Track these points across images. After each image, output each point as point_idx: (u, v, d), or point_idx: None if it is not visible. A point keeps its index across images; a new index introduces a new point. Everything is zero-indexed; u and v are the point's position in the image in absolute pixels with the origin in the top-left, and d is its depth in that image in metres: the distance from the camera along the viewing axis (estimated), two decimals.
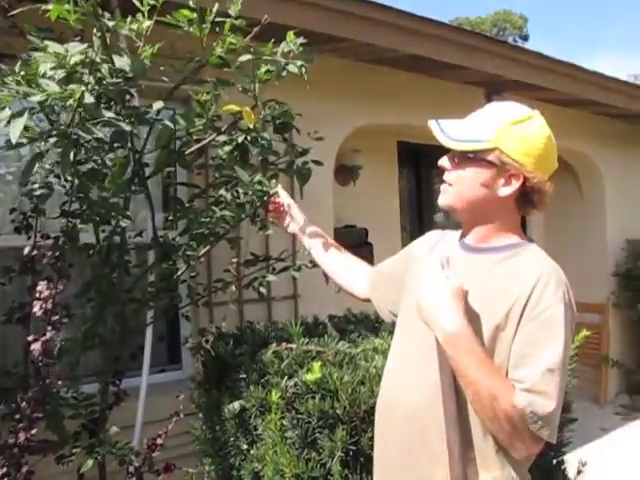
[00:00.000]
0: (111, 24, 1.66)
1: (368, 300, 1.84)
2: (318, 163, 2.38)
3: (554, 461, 2.38)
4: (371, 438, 1.66)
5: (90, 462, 1.98)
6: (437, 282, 1.35)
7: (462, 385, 1.31)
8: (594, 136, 5.86)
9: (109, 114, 1.65)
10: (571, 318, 1.34)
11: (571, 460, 2.48)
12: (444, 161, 1.47)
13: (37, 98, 1.51)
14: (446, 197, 1.47)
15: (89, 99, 1.54)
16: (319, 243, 2.01)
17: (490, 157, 1.38)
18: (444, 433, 1.32)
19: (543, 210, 1.46)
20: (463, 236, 1.51)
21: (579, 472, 2.53)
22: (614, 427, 5.32)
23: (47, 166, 2.00)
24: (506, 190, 1.38)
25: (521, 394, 1.25)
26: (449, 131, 1.42)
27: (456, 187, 1.44)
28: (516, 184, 1.37)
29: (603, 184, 6.05)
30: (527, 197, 1.41)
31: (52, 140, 1.58)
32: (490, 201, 1.41)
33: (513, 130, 1.37)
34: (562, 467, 2.43)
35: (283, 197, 2.08)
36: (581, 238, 6.19)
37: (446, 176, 1.47)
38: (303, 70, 1.95)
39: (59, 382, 1.96)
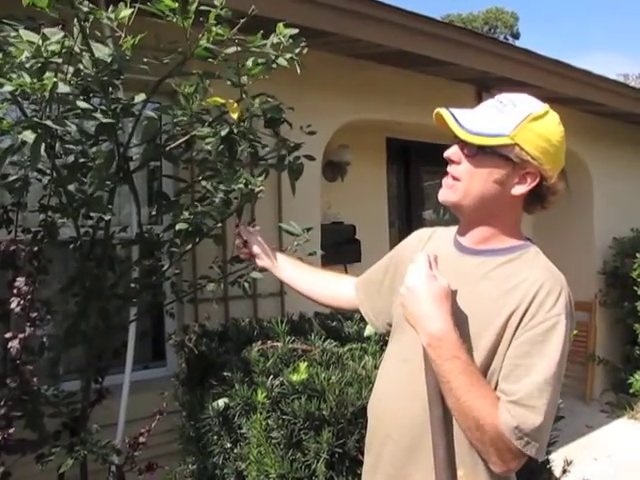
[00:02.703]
0: (86, 10, 1.61)
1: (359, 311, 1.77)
2: (310, 158, 2.34)
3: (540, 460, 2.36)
4: (358, 440, 1.64)
5: (70, 461, 1.94)
6: (423, 281, 1.28)
7: (443, 391, 1.24)
8: (582, 134, 5.85)
9: (84, 105, 1.60)
10: (570, 328, 1.27)
11: (557, 458, 2.47)
12: (453, 153, 1.36)
13: (8, 88, 1.46)
14: (451, 192, 1.36)
15: (63, 89, 1.49)
16: (293, 271, 1.92)
17: (509, 153, 1.29)
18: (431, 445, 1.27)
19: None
20: (460, 234, 1.43)
21: (564, 471, 2.53)
22: (600, 425, 5.34)
23: (26, 158, 1.96)
24: (520, 189, 1.31)
25: (508, 407, 1.19)
26: (465, 123, 1.31)
27: (465, 182, 1.34)
28: (532, 183, 1.31)
29: (591, 182, 6.05)
30: (540, 196, 1.34)
31: (26, 132, 1.53)
32: (500, 199, 1.33)
33: (533, 126, 1.29)
34: (548, 466, 2.42)
35: (245, 235, 2.02)
36: (569, 236, 6.20)
37: (452, 170, 1.36)
38: (295, 63, 1.91)
39: (39, 379, 1.93)
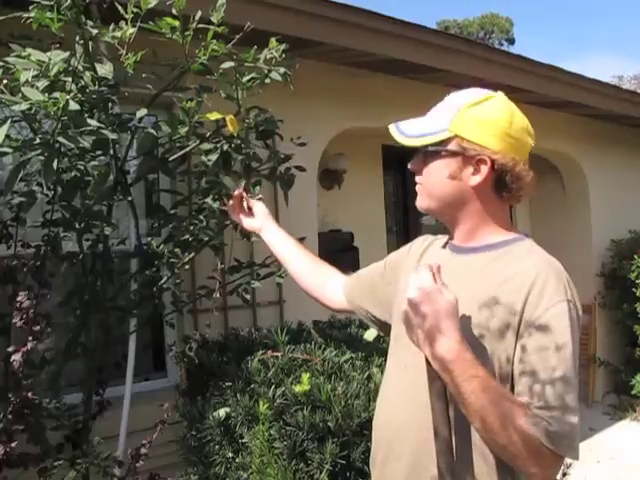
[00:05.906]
0: (95, 32, 1.65)
1: (338, 310, 1.72)
2: (301, 169, 2.38)
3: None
4: (363, 452, 1.62)
5: (73, 474, 1.95)
6: (429, 298, 1.17)
7: (466, 414, 1.15)
8: (577, 137, 5.89)
9: (94, 122, 1.62)
10: (576, 315, 1.21)
11: None
12: (412, 163, 1.38)
13: (21, 107, 1.48)
14: (420, 199, 1.37)
15: (74, 107, 1.51)
16: (289, 247, 1.82)
17: (451, 146, 1.28)
18: (434, 459, 1.17)
19: (525, 197, 1.34)
20: (451, 237, 1.40)
21: (564, 474, 2.53)
22: (602, 427, 5.33)
23: (32, 173, 1.98)
24: (476, 179, 1.27)
25: (538, 413, 1.11)
26: (406, 129, 1.35)
27: (426, 186, 1.35)
28: (485, 169, 1.26)
29: (587, 185, 6.07)
30: (503, 182, 1.28)
31: (35, 149, 1.54)
32: (463, 193, 1.30)
33: (469, 113, 1.27)
34: None
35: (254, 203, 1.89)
36: (566, 239, 6.21)
37: (417, 178, 1.37)
38: (287, 77, 1.94)
39: (41, 393, 1.93)
